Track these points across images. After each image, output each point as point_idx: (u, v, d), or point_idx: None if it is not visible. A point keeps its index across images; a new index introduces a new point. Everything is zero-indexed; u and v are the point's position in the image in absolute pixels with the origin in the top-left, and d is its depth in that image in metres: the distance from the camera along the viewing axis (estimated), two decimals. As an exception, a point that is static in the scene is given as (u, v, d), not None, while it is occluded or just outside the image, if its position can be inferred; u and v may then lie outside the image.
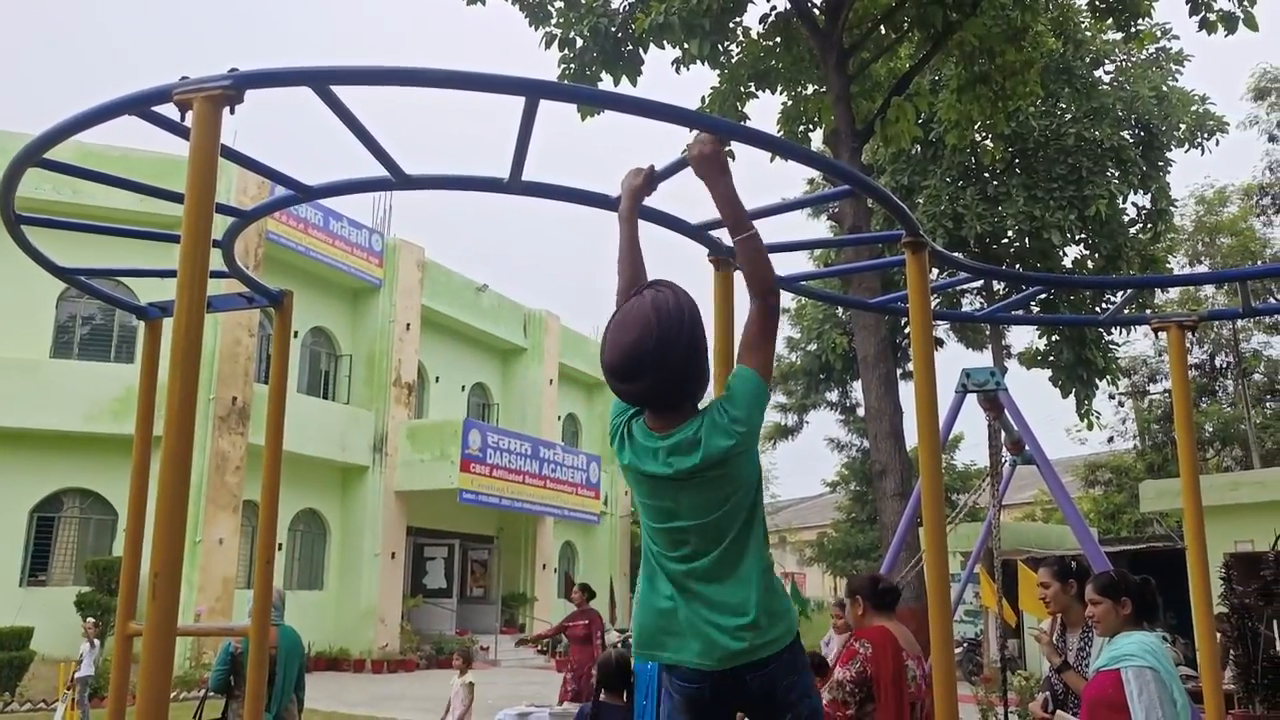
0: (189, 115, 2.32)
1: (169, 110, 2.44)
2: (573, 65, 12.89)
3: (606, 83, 12.92)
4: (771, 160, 13.58)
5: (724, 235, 3.41)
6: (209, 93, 2.29)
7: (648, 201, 2.90)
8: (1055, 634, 4.69)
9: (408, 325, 23.16)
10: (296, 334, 21.13)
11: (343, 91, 2.51)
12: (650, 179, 2.74)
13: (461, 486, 21.35)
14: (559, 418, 29.40)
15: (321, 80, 2.44)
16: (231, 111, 2.35)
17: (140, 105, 2.47)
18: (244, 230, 3.53)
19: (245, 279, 3.75)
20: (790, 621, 2.47)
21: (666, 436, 2.40)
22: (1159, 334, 4.17)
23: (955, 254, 20.12)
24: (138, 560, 3.51)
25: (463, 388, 26.88)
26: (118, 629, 3.35)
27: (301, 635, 6.69)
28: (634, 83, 13.07)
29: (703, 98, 13.84)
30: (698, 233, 3.34)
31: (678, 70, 13.31)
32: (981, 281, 20.32)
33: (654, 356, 2.34)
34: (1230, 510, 18.91)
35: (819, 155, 2.76)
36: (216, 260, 3.43)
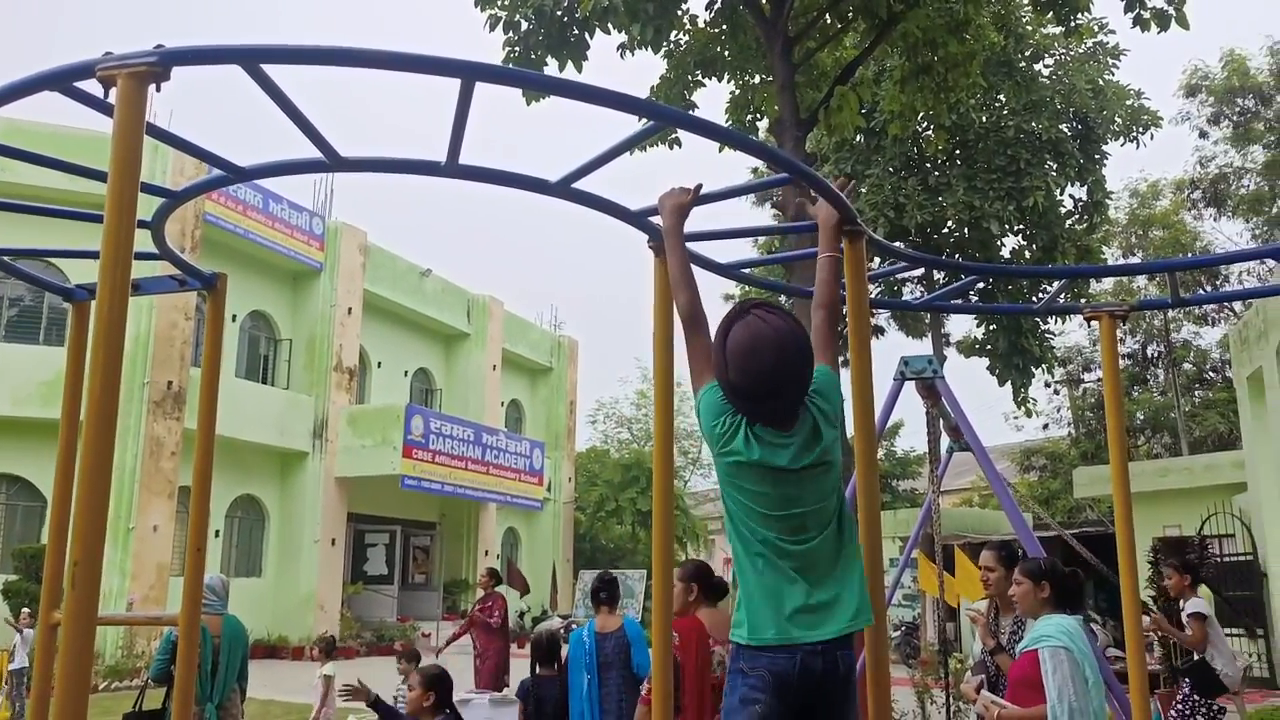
0: (113, 92, 2.25)
1: (93, 87, 2.37)
2: (517, 49, 12.76)
3: (552, 68, 12.82)
4: (720, 150, 13.61)
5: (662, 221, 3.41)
6: (133, 69, 2.22)
7: (583, 184, 2.89)
8: (990, 616, 4.78)
9: (349, 310, 22.87)
10: (234, 318, 20.75)
11: (279, 71, 2.46)
12: (695, 197, 2.98)
13: (403, 472, 21.18)
14: (502, 404, 29.28)
15: (251, 59, 2.38)
16: (158, 89, 2.28)
17: (61, 81, 2.39)
18: (176, 211, 3.44)
19: (176, 261, 3.66)
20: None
21: (792, 435, 2.65)
22: (1091, 323, 4.24)
23: (894, 243, 20.34)
24: (63, 548, 3.42)
25: (405, 373, 26.65)
26: (41, 618, 3.27)
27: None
28: (579, 68, 12.97)
29: (652, 87, 13.82)
30: (638, 219, 3.32)
31: (623, 56, 13.26)
32: (922, 270, 20.56)
33: (798, 376, 2.64)
34: (1160, 496, 19.41)
35: (756, 141, 2.76)
36: (147, 242, 3.35)
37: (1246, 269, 27.49)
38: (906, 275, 21.11)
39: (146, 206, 2.45)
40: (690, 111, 13.39)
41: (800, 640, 2.53)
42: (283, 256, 21.62)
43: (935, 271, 19.96)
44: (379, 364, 25.39)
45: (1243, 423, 17.35)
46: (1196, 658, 6.97)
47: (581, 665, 5.55)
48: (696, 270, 3.74)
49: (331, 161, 2.92)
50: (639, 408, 38.30)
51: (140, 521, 17.34)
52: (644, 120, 3.75)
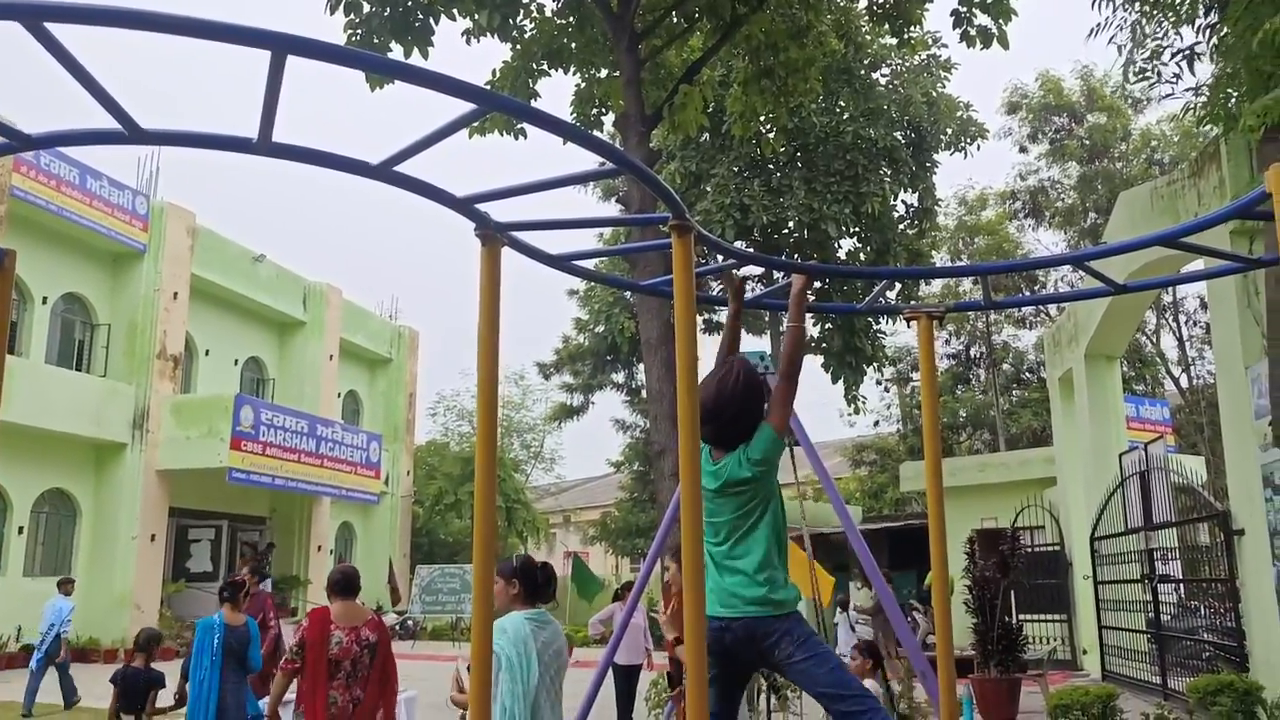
0: None
1: None
2: (360, 32, 12.39)
3: (396, 53, 12.49)
4: (564, 143, 13.57)
5: (490, 209, 3.34)
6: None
7: (403, 168, 2.79)
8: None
9: (175, 294, 21.71)
10: (45, 300, 19.41)
11: (84, 34, 2.26)
12: (804, 285, 3.97)
13: (231, 465, 20.28)
14: (339, 395, 28.43)
15: (33, 15, 2.18)
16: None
17: None
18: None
19: (-44, 234, 3.36)
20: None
21: (715, 461, 3.58)
22: (910, 323, 4.39)
23: (737, 242, 20.74)
24: None
25: (235, 362, 25.52)
26: None
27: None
28: (425, 54, 12.68)
29: (494, 71, 13.63)
30: (464, 206, 3.23)
31: (469, 42, 13.05)
32: (761, 270, 21.00)
33: (712, 413, 3.51)
34: (978, 490, 20.45)
35: (585, 132, 2.72)
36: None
37: (1061, 275, 29.25)
38: (748, 273, 21.54)
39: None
40: (533, 102, 13.30)
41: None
42: (101, 236, 20.32)
43: (776, 270, 20.45)
44: (206, 352, 24.23)
45: (1054, 421, 18.44)
46: None
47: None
48: (523, 261, 3.69)
49: (131, 134, 2.72)
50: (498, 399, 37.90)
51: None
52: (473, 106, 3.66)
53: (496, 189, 3.17)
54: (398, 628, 23.30)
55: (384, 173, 2.93)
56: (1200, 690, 8.88)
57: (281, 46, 2.34)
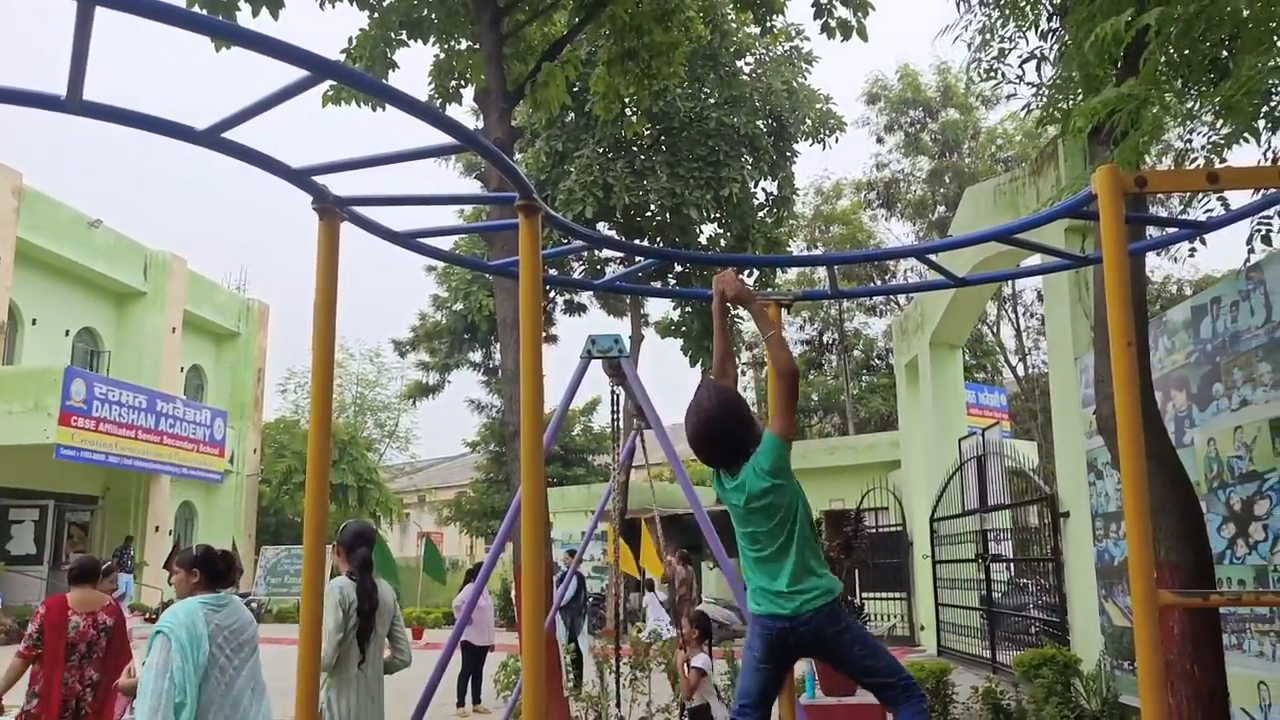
0: None
1: None
2: (205, -12, 11.74)
3: (245, 13, 11.90)
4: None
5: (330, 181, 3.19)
6: None
7: (235, 135, 2.64)
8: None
9: (-2, 258, 20.35)
10: None
11: None
12: (731, 284, 3.89)
13: (59, 441, 19.17)
14: (182, 369, 27.19)
15: None
16: None
17: None
18: None
19: None
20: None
21: (734, 477, 3.63)
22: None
23: (600, 223, 20.72)
24: None
25: (67, 332, 24.08)
26: None
27: None
28: (275, 15, 12.12)
29: (350, 39, 13.15)
30: (299, 178, 3.08)
31: (323, 7, 12.55)
32: (622, 253, 21.02)
33: (702, 439, 3.64)
34: (828, 472, 21.05)
35: (425, 105, 2.61)
36: None
37: (910, 266, 30.28)
38: (610, 256, 21.54)
39: None
40: (391, 73, 12.93)
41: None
42: (-85, 194, 18.88)
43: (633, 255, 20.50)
44: (33, 321, 22.77)
45: (900, 406, 19.11)
46: (698, 703, 6.99)
47: None
48: (367, 237, 3.55)
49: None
50: (334, 377, 36.76)
51: None
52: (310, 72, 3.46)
53: (333, 161, 3.03)
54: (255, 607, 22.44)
55: (210, 139, 2.76)
56: (1025, 664, 9.36)
57: (86, -2, 2.16)
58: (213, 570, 4.42)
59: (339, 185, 3.27)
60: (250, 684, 4.21)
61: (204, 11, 10.28)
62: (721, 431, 3.63)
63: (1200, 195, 4.84)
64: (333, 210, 3.20)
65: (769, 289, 20.36)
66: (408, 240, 3.65)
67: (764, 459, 3.57)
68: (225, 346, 29.84)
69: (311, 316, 3.21)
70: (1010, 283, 29.65)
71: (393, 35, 13.07)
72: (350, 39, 13.09)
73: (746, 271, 21.18)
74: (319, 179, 3.15)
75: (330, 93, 12.20)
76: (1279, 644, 6.03)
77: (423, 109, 2.55)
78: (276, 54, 2.36)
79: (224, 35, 2.31)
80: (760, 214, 22.47)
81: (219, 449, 25.15)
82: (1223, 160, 4.35)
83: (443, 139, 2.80)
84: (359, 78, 2.53)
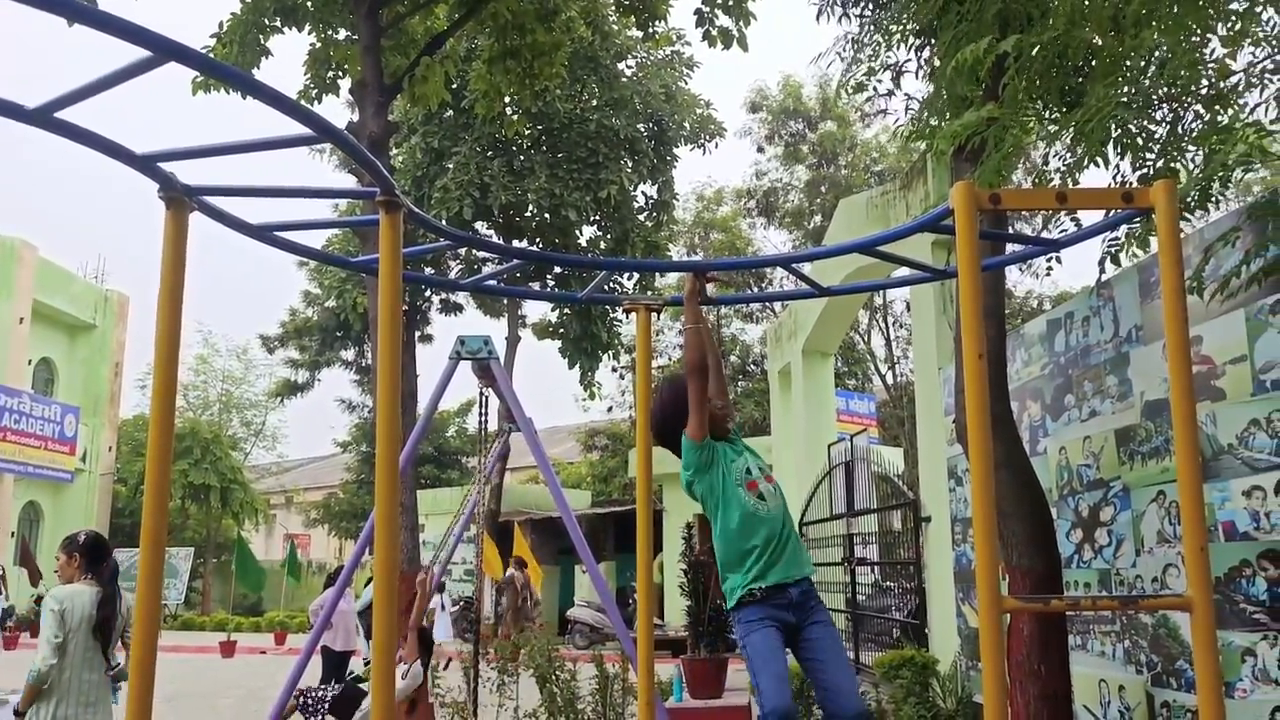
0: None
1: None
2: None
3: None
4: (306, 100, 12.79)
5: (178, 169, 3.04)
6: None
7: (68, 115, 2.49)
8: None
9: None
10: None
11: None
12: (696, 286, 4.25)
13: (-110, 437, 17.94)
14: (30, 362, 25.76)
15: None
16: None
17: None
18: None
19: None
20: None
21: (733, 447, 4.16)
22: (629, 314, 4.43)
23: (477, 222, 20.48)
24: None
25: (-98, 321, 22.61)
26: None
27: None
28: (139, -8, 11.60)
29: (221, 23, 12.68)
30: (144, 164, 2.92)
31: (192, -13, 12.07)
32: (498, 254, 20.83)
33: (656, 431, 4.21)
34: (701, 476, 21.20)
35: (279, 94, 2.50)
36: None
37: (784, 274, 30.83)
38: (488, 256, 21.30)
39: None
40: (263, 60, 12.54)
41: None
42: None
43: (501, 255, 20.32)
44: None
45: (773, 411, 19.44)
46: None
47: None
48: (224, 231, 3.40)
49: None
50: (197, 373, 35.30)
51: None
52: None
53: (181, 148, 2.90)
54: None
55: (43, 119, 2.59)
56: (885, 665, 9.61)
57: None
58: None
59: (205, 177, 3.12)
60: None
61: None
62: (661, 427, 4.16)
63: (1057, 215, 5.04)
64: (181, 199, 3.04)
65: (649, 292, 20.47)
66: (262, 233, 3.50)
67: (683, 458, 4.04)
68: (80, 339, 28.40)
69: (155, 310, 3.05)
70: (881, 293, 30.51)
71: (266, 21, 12.66)
72: (220, 24, 12.65)
73: (626, 275, 21.25)
74: (166, 166, 2.99)
75: (199, 79, 11.70)
76: (1119, 644, 6.33)
77: (275, 96, 2.44)
78: (117, 32, 2.23)
79: (59, 10, 2.16)
80: (640, 217, 22.57)
81: (69, 446, 23.95)
82: (1076, 182, 4.53)
83: (300, 129, 2.70)
84: (205, 61, 2.41)
